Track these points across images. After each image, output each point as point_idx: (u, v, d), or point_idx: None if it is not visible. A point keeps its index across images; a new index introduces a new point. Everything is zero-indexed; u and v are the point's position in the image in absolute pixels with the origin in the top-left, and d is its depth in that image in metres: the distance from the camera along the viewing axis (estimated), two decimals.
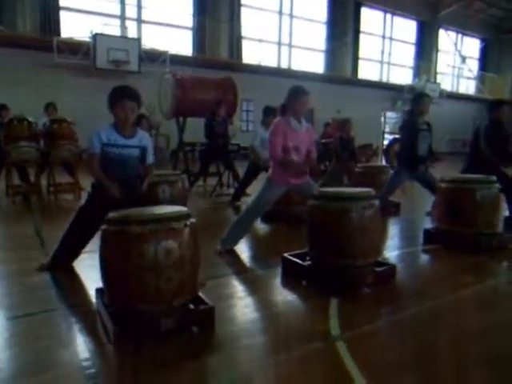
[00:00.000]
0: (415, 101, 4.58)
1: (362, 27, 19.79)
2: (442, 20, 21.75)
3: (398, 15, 21.17)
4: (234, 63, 15.42)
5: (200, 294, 2.48)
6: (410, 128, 4.52)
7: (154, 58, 13.13)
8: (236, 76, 15.11)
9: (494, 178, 4.10)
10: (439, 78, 22.75)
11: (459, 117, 21.23)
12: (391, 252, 4.06)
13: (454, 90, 23.83)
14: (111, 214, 2.28)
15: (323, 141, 9.20)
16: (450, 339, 2.33)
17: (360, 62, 20.05)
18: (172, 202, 4.09)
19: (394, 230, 5.23)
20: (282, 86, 16.31)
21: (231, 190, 6.92)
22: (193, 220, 2.39)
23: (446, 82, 22.88)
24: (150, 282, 2.17)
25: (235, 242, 3.81)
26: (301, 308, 2.73)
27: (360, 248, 2.86)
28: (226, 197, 6.63)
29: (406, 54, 21.95)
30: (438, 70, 23.09)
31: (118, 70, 12.43)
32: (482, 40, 24.90)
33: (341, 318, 2.49)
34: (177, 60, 13.56)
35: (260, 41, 16.93)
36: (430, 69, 22.00)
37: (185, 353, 2.11)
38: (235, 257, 3.69)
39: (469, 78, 24.75)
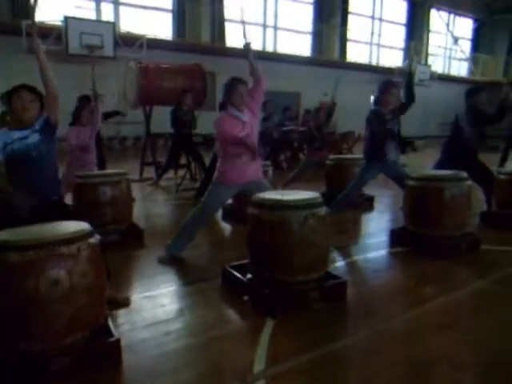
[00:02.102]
0: (382, 90, 4.20)
1: (351, 8, 19.13)
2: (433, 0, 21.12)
3: None
4: (216, 47, 14.86)
5: (110, 322, 2.16)
6: (376, 119, 4.16)
7: (130, 42, 12.56)
8: (219, 60, 14.74)
9: (465, 174, 3.78)
10: (430, 60, 22.21)
11: (450, 99, 20.67)
12: (355, 256, 3.75)
13: (446, 71, 23.31)
14: None
15: (284, 129, 8.83)
16: (398, 376, 2.02)
17: (348, 44, 19.45)
18: (114, 205, 3.74)
19: (362, 229, 4.93)
20: (268, 69, 15.73)
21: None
22: (93, 240, 2.05)
23: (437, 64, 22.34)
24: (34, 319, 1.83)
25: (180, 249, 3.48)
26: (231, 333, 2.40)
27: (301, 263, 2.54)
28: (193, 191, 6.28)
29: (396, 36, 21.35)
30: (430, 51, 22.52)
31: (91, 56, 11.88)
32: (475, 20, 24.25)
33: (271, 346, 2.18)
34: (155, 44, 13.01)
35: (244, 23, 16.28)
36: (420, 50, 21.43)
37: None
38: (176, 266, 3.36)
39: (461, 60, 24.19)
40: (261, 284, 2.62)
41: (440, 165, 4.77)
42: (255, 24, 16.83)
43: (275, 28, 17.45)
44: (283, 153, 9.47)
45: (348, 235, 4.38)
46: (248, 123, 3.27)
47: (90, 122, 4.58)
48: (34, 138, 2.46)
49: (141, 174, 7.61)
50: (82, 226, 2.09)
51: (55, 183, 2.65)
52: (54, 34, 11.60)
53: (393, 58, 21.02)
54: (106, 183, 3.71)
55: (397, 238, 3.98)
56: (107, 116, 6.49)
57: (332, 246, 3.88)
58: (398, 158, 4.38)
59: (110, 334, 2.06)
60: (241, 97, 3.20)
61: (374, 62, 20.51)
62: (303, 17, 17.90)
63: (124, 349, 2.08)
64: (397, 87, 4.27)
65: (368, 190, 5.78)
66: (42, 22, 11.87)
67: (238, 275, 2.78)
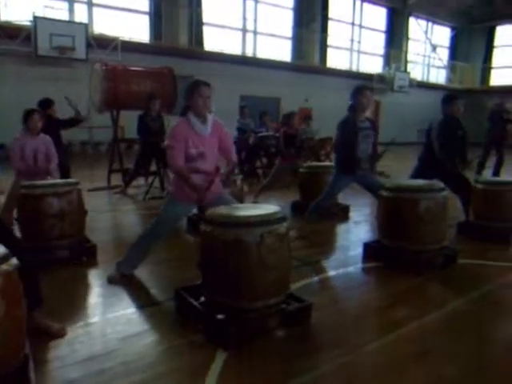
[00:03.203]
0: (355, 94, 3.95)
1: (331, 14, 19.10)
2: (412, 7, 21.25)
3: (368, 1, 20.56)
4: (194, 50, 14.57)
5: (30, 362, 1.84)
6: (348, 126, 3.90)
7: (104, 44, 12.19)
8: (196, 64, 14.43)
9: (441, 184, 3.57)
10: (410, 67, 22.36)
11: (429, 106, 20.75)
12: (325, 273, 3.50)
13: (425, 79, 23.49)
14: None
15: (260, 135, 8.59)
16: None
17: (329, 50, 19.40)
18: (62, 218, 3.39)
19: (335, 241, 4.68)
20: (246, 74, 15.53)
21: None
22: (6, 267, 1.72)
23: (416, 71, 22.51)
24: None
25: (133, 267, 3.16)
26: (176, 369, 2.08)
27: (258, 287, 2.25)
28: (162, 200, 5.94)
29: (376, 42, 21.42)
30: (409, 58, 22.67)
31: (62, 58, 11.46)
32: (453, 29, 24.56)
33: None
34: (130, 47, 12.66)
35: (222, 27, 16.08)
36: (400, 57, 21.55)
37: None
38: (128, 287, 3.01)
39: (439, 67, 24.42)
40: (213, 310, 2.32)
41: (417, 172, 4.57)
42: (235, 29, 16.61)
43: (255, 33, 17.25)
44: (259, 159, 9.20)
45: (319, 249, 4.12)
46: (207, 139, 2.95)
47: (39, 130, 4.23)
48: None
49: (108, 182, 7.23)
50: None
51: None
52: (22, 35, 11.14)
53: (373, 65, 21.06)
54: (52, 194, 3.36)
55: (370, 251, 3.74)
56: (65, 125, 5.88)
57: (301, 261, 3.69)
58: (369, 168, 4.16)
59: (26, 380, 1.73)
60: (203, 100, 2.89)
61: (354, 69, 20.51)
62: (283, 22, 17.75)
63: None
64: (371, 90, 4.04)
65: (343, 200, 5.55)
66: (10, 22, 11.44)
67: (190, 299, 2.47)
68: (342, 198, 5.58)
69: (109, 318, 2.60)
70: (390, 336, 2.42)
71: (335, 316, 2.70)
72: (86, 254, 3.53)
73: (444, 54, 24.67)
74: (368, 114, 4.17)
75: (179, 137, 2.88)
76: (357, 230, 4.99)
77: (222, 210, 2.47)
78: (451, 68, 24.31)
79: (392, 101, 20.38)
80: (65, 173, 5.39)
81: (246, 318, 2.25)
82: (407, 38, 22.22)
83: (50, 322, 2.34)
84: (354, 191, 4.77)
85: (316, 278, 3.36)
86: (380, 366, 2.15)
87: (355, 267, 3.61)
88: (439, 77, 24.46)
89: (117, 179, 7.23)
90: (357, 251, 3.90)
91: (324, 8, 18.55)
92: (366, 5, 20.62)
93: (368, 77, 19.87)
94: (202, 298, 2.48)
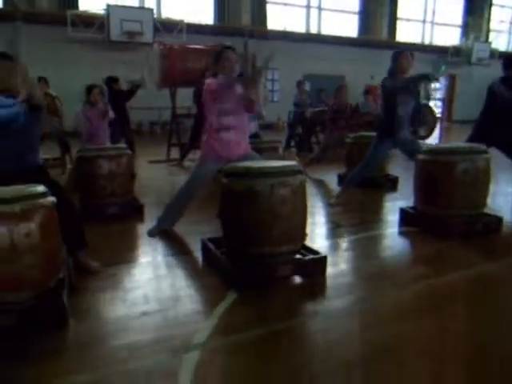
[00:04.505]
0: (395, 56, 3.87)
1: None
2: None
3: None
4: (256, 30, 14.65)
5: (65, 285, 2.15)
6: (387, 89, 3.83)
7: (170, 28, 12.72)
8: (259, 43, 14.54)
9: (482, 147, 3.40)
10: (492, 37, 20.50)
11: None
12: (356, 235, 3.52)
13: (510, 48, 21.41)
14: None
15: (315, 109, 8.49)
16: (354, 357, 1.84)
17: (399, 23, 18.42)
18: (112, 179, 3.77)
19: (374, 208, 4.59)
20: (310, 52, 15.35)
21: None
22: (43, 202, 2.03)
23: (499, 41, 20.59)
24: None
25: (170, 223, 3.44)
26: (188, 304, 2.30)
27: (268, 236, 2.38)
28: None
29: (452, 12, 19.88)
30: (491, 27, 20.77)
31: (131, 42, 12.17)
32: None
33: (221, 320, 2.07)
34: (194, 29, 13.06)
35: (285, 5, 15.95)
36: (480, 26, 19.83)
37: None
38: (163, 239, 3.30)
39: None
40: (229, 256, 2.50)
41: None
42: (299, 5, 16.40)
43: (319, 9, 16.88)
44: (315, 135, 9.17)
45: (358, 214, 4.13)
46: (237, 92, 3.08)
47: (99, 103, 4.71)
48: (19, 109, 2.43)
49: (168, 155, 7.70)
50: (36, 188, 2.08)
51: (35, 152, 2.69)
52: (97, 23, 12.00)
53: (449, 36, 19.63)
54: (103, 157, 3.73)
55: (407, 216, 3.67)
56: (128, 95, 6.73)
57: (336, 223, 3.77)
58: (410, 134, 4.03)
59: (60, 298, 2.04)
60: (229, 63, 3.02)
61: (426, 41, 19.29)
62: None
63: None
64: (412, 54, 3.91)
65: (392, 170, 5.43)
66: (86, 11, 12.34)
67: (212, 247, 2.68)
68: (393, 170, 5.47)
69: (144, 262, 2.90)
70: (402, 292, 2.43)
71: (351, 272, 2.77)
72: (133, 212, 3.88)
73: None
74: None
75: (214, 86, 3.01)
76: (401, 200, 4.86)
77: (240, 163, 2.61)
78: None
79: (469, 75, 18.93)
80: (129, 144, 5.89)
81: (256, 264, 2.40)
82: (490, 4, 20.33)
83: (90, 261, 2.67)
84: (409, 163, 4.68)
85: (346, 239, 3.41)
86: (383, 314, 2.20)
87: (388, 231, 3.60)
88: None
89: (177, 153, 7.69)
90: (395, 217, 3.85)
91: None
92: None
93: (443, 49, 18.62)
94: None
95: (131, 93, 6.78)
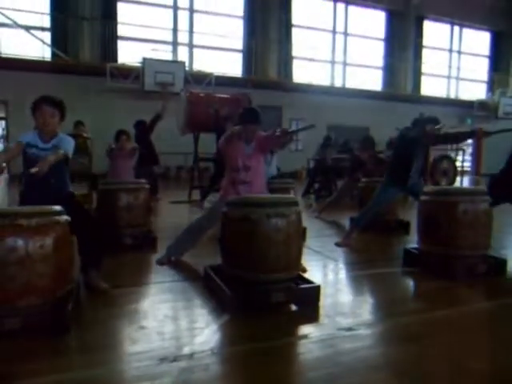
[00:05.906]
0: (422, 123, 4.11)
1: (425, 41, 18.71)
2: None
3: (468, 27, 19.73)
4: (282, 82, 15.39)
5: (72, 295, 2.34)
6: (411, 141, 4.03)
7: (199, 79, 13.56)
8: (284, 95, 15.23)
9: (483, 188, 3.48)
10: None
11: None
12: (356, 272, 3.58)
13: None
14: None
15: (336, 156, 8.78)
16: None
17: (423, 78, 18.90)
18: (129, 210, 4.03)
19: (381, 250, 4.61)
20: (334, 104, 15.90)
21: None
22: (57, 218, 2.28)
23: None
24: None
25: (181, 253, 3.62)
26: (184, 321, 2.44)
27: (261, 262, 2.52)
28: None
29: (477, 68, 20.27)
30: None
31: (163, 92, 12.99)
32: None
33: (211, 336, 2.20)
34: (223, 81, 13.86)
35: (311, 60, 16.75)
36: (507, 81, 20.05)
37: None
38: (170, 267, 3.48)
39: None
40: (225, 282, 2.64)
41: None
42: (323, 61, 17.19)
43: (344, 64, 17.61)
44: (334, 183, 9.35)
45: (363, 254, 4.20)
46: (250, 156, 3.31)
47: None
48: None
49: (189, 196, 8.03)
50: (52, 207, 2.33)
51: (66, 184, 3.05)
52: (133, 74, 12.97)
53: (474, 91, 19.90)
54: (122, 190, 4.02)
55: (410, 257, 3.72)
56: (151, 124, 7.60)
57: (336, 260, 3.87)
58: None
59: (66, 306, 2.23)
60: (248, 133, 3.27)
61: (452, 96, 19.60)
62: (373, 52, 17.86)
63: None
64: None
65: (405, 215, 5.49)
66: (124, 64, 13.39)
67: (211, 273, 2.83)
68: (405, 214, 5.53)
69: (149, 286, 3.08)
70: (392, 322, 2.48)
71: (345, 303, 2.83)
72: (147, 243, 4.09)
73: None
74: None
75: (233, 142, 3.34)
76: (410, 243, 4.87)
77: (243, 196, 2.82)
78: None
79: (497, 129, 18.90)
80: (153, 180, 6.31)
81: (250, 289, 2.53)
82: None
83: (99, 282, 2.86)
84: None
85: (346, 274, 3.49)
86: (367, 339, 2.25)
87: (390, 270, 3.64)
88: None
89: (198, 195, 8.01)
90: (400, 259, 3.90)
91: (418, 36, 18.30)
92: (465, 30, 19.80)
93: (468, 104, 18.84)
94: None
95: (153, 121, 7.57)
